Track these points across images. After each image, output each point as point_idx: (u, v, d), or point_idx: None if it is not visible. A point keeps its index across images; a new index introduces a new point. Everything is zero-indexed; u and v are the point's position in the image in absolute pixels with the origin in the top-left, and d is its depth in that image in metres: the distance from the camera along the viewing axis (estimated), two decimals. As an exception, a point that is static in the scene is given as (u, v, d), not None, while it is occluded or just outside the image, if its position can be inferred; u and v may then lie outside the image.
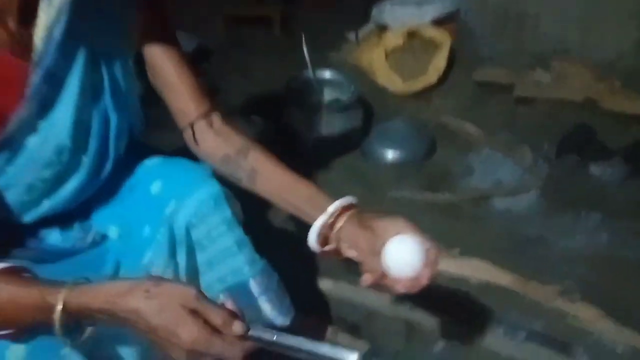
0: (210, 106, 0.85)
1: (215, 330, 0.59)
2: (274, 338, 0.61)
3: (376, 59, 2.14)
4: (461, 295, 1.34)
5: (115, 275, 0.80)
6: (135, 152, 0.87)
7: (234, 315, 0.61)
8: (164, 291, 0.59)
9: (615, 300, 1.31)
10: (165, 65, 0.83)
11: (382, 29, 2.30)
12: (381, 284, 0.73)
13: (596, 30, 2.01)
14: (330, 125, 1.79)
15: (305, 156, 1.77)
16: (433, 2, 2.26)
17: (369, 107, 1.99)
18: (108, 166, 0.81)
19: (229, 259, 0.85)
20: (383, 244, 0.72)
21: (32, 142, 0.71)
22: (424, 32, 2.17)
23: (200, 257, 0.85)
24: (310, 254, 0.82)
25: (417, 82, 2.10)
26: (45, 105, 0.71)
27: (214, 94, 0.91)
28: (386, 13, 2.31)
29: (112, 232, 0.86)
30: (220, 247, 0.84)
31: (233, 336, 0.59)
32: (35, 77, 0.69)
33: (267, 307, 0.87)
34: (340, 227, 0.76)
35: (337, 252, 0.78)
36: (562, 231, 1.53)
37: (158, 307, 0.58)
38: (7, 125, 0.69)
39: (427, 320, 1.27)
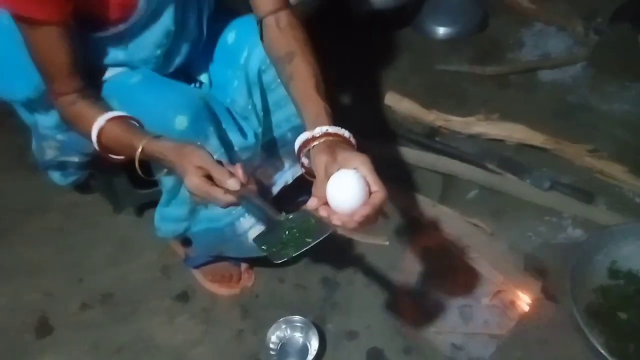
0: (281, 4, 0.91)
1: (214, 183, 0.77)
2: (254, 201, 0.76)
3: None
4: (495, 152, 1.49)
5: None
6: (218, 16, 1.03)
7: (231, 174, 0.77)
8: (187, 152, 0.79)
9: (642, 159, 1.41)
10: None
11: None
12: (322, 212, 0.70)
13: None
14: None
15: (360, 30, 1.85)
16: None
17: (422, -18, 2.01)
18: (202, 41, 0.99)
19: (294, 102, 1.02)
20: (335, 171, 0.70)
21: (148, 28, 0.91)
22: None
23: (270, 98, 1.03)
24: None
25: (472, -45, 2.07)
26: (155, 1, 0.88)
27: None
28: None
29: (205, 78, 1.07)
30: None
31: (226, 188, 0.76)
32: None
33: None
34: (313, 147, 0.76)
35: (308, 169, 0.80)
36: (603, 99, 1.61)
37: (180, 162, 0.79)
38: (131, 16, 0.88)
39: (462, 173, 1.45)
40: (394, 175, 1.43)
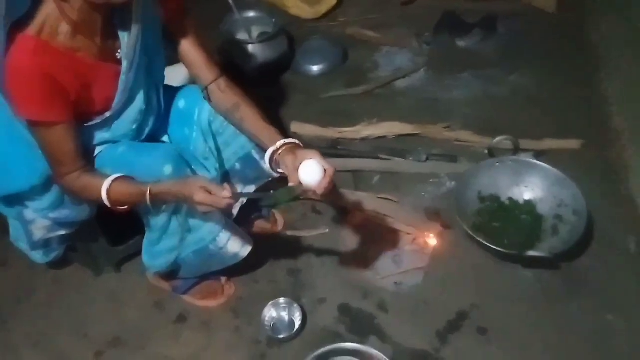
0: (218, 73, 1.29)
1: (213, 195, 1.11)
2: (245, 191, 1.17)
3: (286, -6, 2.61)
4: (382, 146, 1.97)
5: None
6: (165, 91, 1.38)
7: (224, 188, 1.12)
8: (189, 181, 1.14)
9: (483, 122, 1.98)
10: (185, 44, 1.26)
11: (284, -34, 2.75)
12: (299, 190, 1.10)
13: None
14: (264, 54, 2.26)
15: (251, 84, 2.25)
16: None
17: (289, 34, 2.48)
18: (161, 112, 1.34)
19: (237, 139, 1.40)
20: (299, 164, 1.09)
21: (126, 111, 1.23)
22: (318, -37, 2.65)
23: (219, 140, 1.39)
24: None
25: (321, 6, 2.60)
26: (131, 88, 1.20)
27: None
28: (284, -46, 2.75)
29: (166, 139, 1.41)
30: (230, 132, 1.38)
31: (223, 197, 1.09)
32: (128, 76, 1.17)
33: (265, 166, 1.43)
34: (280, 153, 1.16)
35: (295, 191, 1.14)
36: (444, 90, 2.18)
37: (186, 188, 1.12)
38: (112, 104, 1.19)
39: (365, 166, 1.90)
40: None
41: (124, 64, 1.17)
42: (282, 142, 1.18)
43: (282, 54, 2.33)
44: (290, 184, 1.11)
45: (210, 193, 1.11)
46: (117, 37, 1.16)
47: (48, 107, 1.09)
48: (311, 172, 1.08)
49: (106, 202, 1.18)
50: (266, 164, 1.22)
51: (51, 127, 1.12)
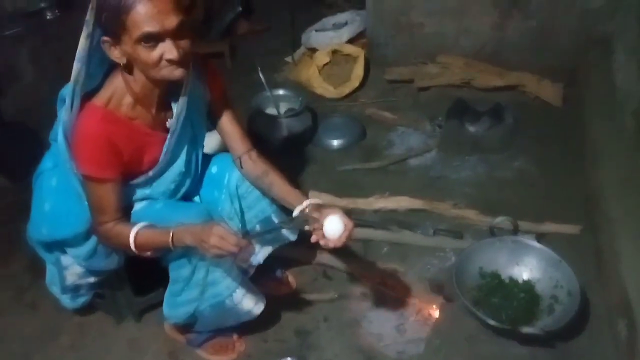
0: (250, 145, 1.48)
1: (225, 240, 1.25)
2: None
3: (312, 74, 2.88)
4: (392, 218, 2.10)
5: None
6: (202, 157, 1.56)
7: (236, 234, 1.25)
8: (207, 225, 1.27)
9: (486, 203, 2.11)
10: (224, 117, 1.46)
11: (312, 50, 3.06)
12: (321, 242, 1.29)
13: (467, 23, 2.73)
14: (289, 128, 2.49)
15: (275, 153, 2.45)
16: (346, 26, 3.05)
17: (314, 111, 2.71)
18: (197, 175, 1.53)
19: (259, 203, 1.56)
20: (324, 219, 1.27)
21: (167, 171, 1.42)
22: (343, 49, 2.94)
23: (244, 203, 1.55)
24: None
25: (345, 88, 2.85)
26: (174, 154, 1.40)
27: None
28: (312, 38, 3.07)
29: (197, 199, 1.58)
30: (253, 196, 1.55)
31: (233, 243, 1.22)
32: (170, 141, 1.37)
33: (284, 231, 1.59)
34: (307, 212, 1.35)
35: (304, 223, 1.36)
36: (453, 170, 2.34)
37: (204, 231, 1.25)
38: (157, 166, 1.38)
39: (375, 236, 2.03)
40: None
41: (170, 131, 1.36)
42: (308, 201, 1.38)
43: (305, 129, 2.54)
44: (312, 237, 1.30)
45: (223, 238, 1.24)
46: (168, 109, 1.36)
47: (104, 166, 1.27)
48: (335, 225, 1.27)
49: (132, 247, 1.32)
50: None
51: (103, 183, 1.29)
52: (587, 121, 2.23)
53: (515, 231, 1.82)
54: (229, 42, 3.22)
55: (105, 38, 1.20)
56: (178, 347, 1.70)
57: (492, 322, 1.54)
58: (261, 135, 2.45)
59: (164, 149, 1.38)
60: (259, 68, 2.48)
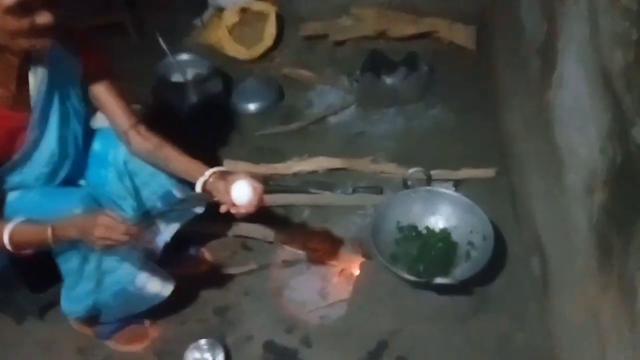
0: (137, 119, 1.35)
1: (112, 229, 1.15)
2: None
3: (222, 36, 2.69)
4: (312, 180, 2.03)
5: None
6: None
7: (124, 221, 1.17)
8: (90, 216, 1.17)
9: (404, 155, 2.07)
10: (103, 92, 1.32)
11: (220, 10, 2.86)
12: (231, 210, 1.23)
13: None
14: (198, 95, 2.32)
15: (186, 122, 2.31)
16: (255, -18, 2.86)
17: (227, 75, 2.55)
18: (79, 156, 1.36)
19: (156, 178, 1.43)
20: (230, 186, 1.21)
21: (36, 153, 1.25)
22: (252, 6, 2.76)
23: (137, 180, 1.42)
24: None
25: (258, 48, 2.69)
26: (41, 132, 1.23)
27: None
28: (220, -3, 2.87)
29: (82, 182, 1.43)
30: (147, 171, 1.41)
31: (122, 231, 1.15)
32: (33, 118, 1.20)
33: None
34: (210, 181, 1.27)
35: (210, 195, 1.29)
36: (372, 125, 2.28)
37: (88, 222, 1.16)
38: (21, 149, 1.22)
39: (295, 201, 1.95)
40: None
41: (33, 108, 1.20)
42: (210, 170, 1.28)
43: (216, 94, 2.39)
44: (221, 207, 1.24)
45: (110, 228, 1.14)
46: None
47: None
48: (242, 191, 1.21)
49: (8, 247, 1.19)
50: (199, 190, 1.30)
51: None
52: (497, 62, 2.21)
53: (429, 181, 1.79)
54: (129, 12, 2.93)
55: None
56: (88, 342, 1.58)
57: (407, 276, 1.51)
58: (168, 105, 2.29)
59: (28, 127, 1.21)
60: (157, 32, 2.28)
